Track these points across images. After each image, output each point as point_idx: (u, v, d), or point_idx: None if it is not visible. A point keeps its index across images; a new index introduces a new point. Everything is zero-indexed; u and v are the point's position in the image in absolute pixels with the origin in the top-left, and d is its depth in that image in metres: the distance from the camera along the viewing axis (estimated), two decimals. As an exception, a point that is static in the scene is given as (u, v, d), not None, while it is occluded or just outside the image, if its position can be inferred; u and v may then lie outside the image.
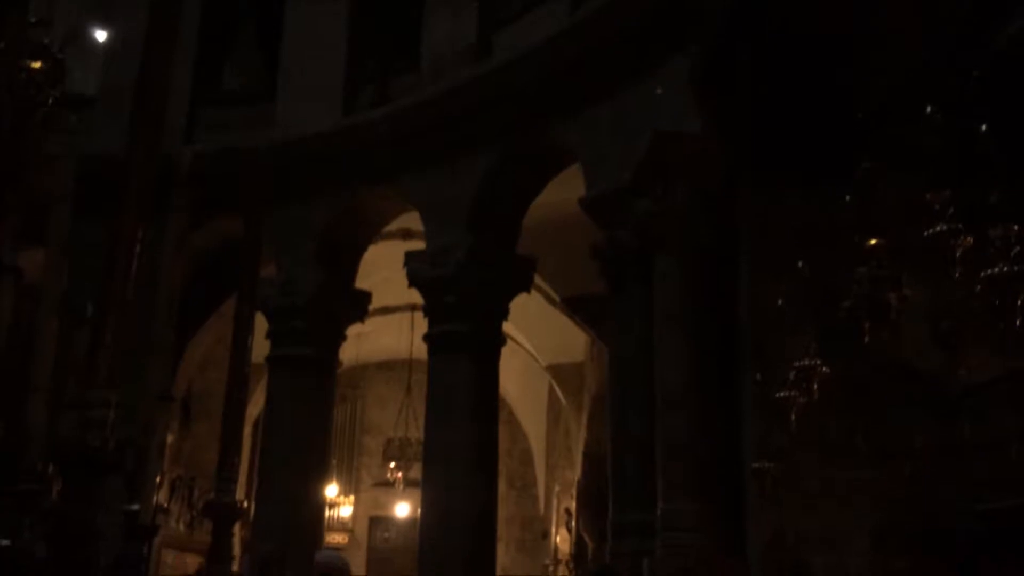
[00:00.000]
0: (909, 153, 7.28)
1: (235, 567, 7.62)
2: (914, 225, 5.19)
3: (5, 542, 5.68)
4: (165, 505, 12.53)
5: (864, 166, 6.09)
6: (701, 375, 8.44)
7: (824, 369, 6.62)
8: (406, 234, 13.21)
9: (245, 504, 10.90)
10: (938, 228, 5.06)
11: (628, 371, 10.43)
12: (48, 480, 7.32)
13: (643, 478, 9.48)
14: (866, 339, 6.08)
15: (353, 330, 13.62)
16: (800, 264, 6.67)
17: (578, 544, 15.14)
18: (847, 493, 7.48)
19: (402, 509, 19.74)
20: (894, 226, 5.73)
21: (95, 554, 4.32)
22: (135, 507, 8.40)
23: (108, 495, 6.91)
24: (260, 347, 12.70)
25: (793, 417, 6.75)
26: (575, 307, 13.03)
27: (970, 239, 4.97)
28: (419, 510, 12.27)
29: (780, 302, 6.89)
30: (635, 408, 10.13)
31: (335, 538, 18.67)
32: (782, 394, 6.86)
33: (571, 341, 15.28)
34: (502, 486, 14.67)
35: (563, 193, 11.04)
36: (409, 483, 17.82)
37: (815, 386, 6.64)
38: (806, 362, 6.62)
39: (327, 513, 16.10)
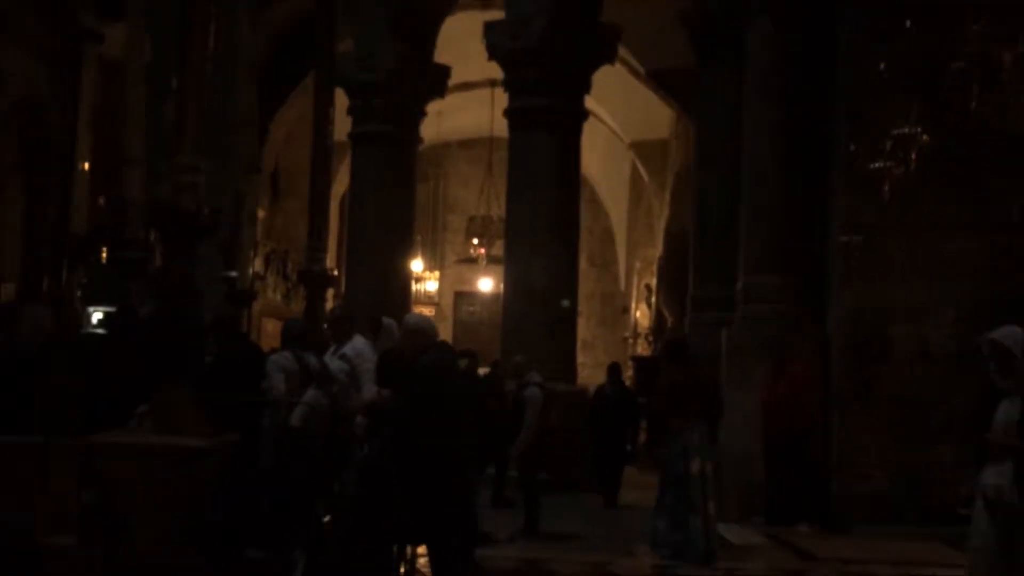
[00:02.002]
0: None
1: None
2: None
3: (111, 308, 6.10)
4: (262, 273, 13.16)
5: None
6: (790, 146, 8.14)
7: (924, 138, 6.31)
8: (485, 2, 12.67)
9: (336, 272, 11.36)
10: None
11: (714, 145, 10.17)
12: (151, 247, 7.76)
13: (724, 253, 9.47)
14: (973, 104, 5.72)
15: (433, 107, 13.46)
16: (907, 23, 6.20)
17: (657, 318, 15.50)
18: (936, 266, 7.34)
19: (485, 284, 20.35)
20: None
21: (197, 310, 4.61)
22: (233, 274, 8.91)
23: (207, 264, 7.27)
24: (343, 125, 12.76)
25: (886, 188, 6.53)
26: (661, 80, 12.55)
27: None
28: (502, 285, 12.60)
29: (882, 66, 6.47)
30: (720, 183, 9.97)
31: (422, 311, 19.53)
32: (876, 165, 6.61)
33: (655, 117, 14.86)
34: (583, 263, 14.88)
35: (651, -45, 10.32)
36: (492, 259, 18.26)
37: (913, 156, 6.36)
38: (906, 130, 6.31)
39: (414, 287, 16.72)
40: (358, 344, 6.09)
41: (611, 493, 9.18)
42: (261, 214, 13.28)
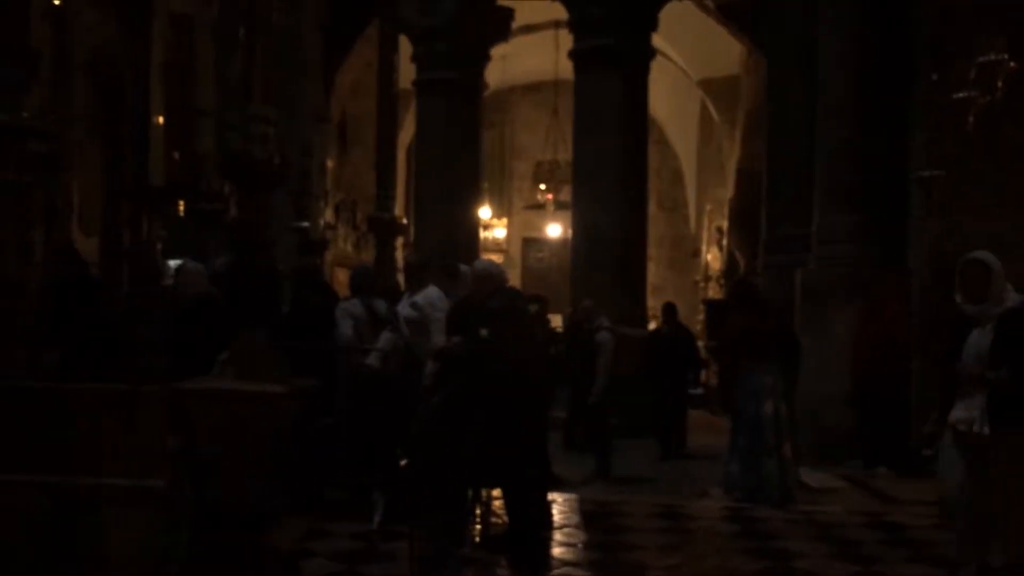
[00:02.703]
0: None
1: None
2: None
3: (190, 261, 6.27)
4: (332, 223, 13.33)
5: None
6: (868, 78, 7.83)
7: (1011, 64, 6.00)
8: (547, -58, 12.40)
9: (404, 221, 11.42)
10: None
11: (787, 80, 9.83)
12: (225, 199, 7.91)
13: (799, 192, 9.22)
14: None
15: (497, 51, 13.31)
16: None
17: (729, 261, 15.25)
18: (1021, 199, 7.04)
19: (554, 230, 20.24)
20: None
21: (271, 260, 4.70)
22: (305, 224, 9.07)
23: (280, 215, 7.37)
24: (408, 73, 12.71)
25: (971, 119, 6.25)
26: (730, 14, 12.15)
27: None
28: (570, 230, 12.53)
29: (967, -11, 6.15)
30: (793, 120, 9.65)
31: (491, 258, 19.50)
32: (960, 95, 6.32)
33: (725, 53, 14.42)
34: (652, 207, 14.66)
35: None
36: (560, 205, 18.13)
37: (999, 84, 6.06)
38: (991, 57, 6.00)
39: (482, 234, 16.74)
40: (430, 293, 6.12)
41: (675, 440, 8.88)
42: (330, 164, 13.39)
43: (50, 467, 3.62)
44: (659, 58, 12.21)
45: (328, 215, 12.93)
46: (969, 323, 3.94)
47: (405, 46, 12.38)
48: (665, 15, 11.37)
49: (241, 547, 3.90)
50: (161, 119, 5.39)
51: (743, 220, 13.80)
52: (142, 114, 4.72)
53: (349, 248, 15.33)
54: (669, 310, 9.43)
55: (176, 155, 8.44)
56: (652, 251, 14.62)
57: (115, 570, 3.64)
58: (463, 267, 6.04)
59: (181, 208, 7.52)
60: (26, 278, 4.91)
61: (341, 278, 14.78)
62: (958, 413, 3.92)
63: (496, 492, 5.66)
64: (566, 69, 12.20)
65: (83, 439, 3.74)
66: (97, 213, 7.64)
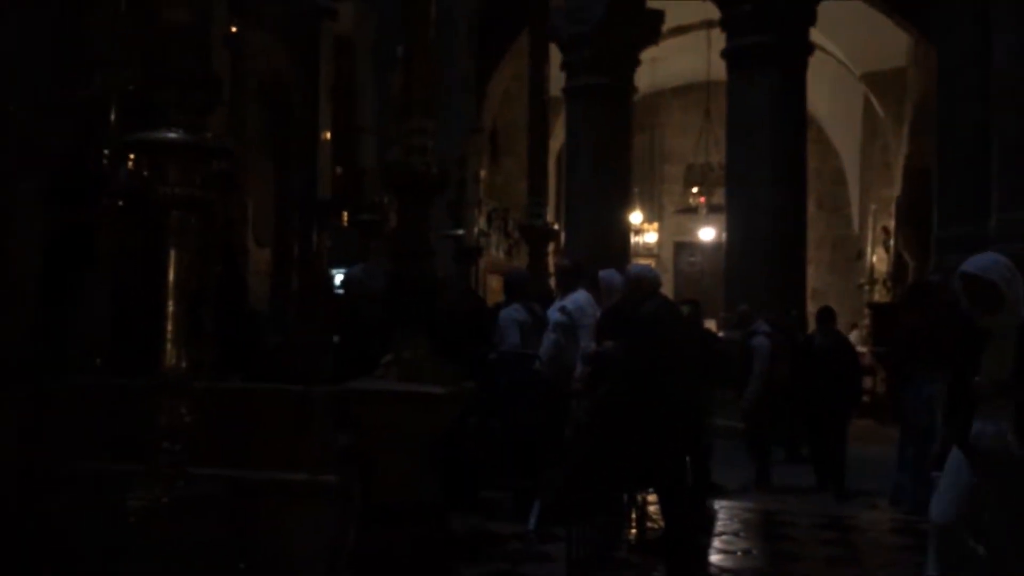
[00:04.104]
0: None
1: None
2: None
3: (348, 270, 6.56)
4: (485, 231, 13.63)
5: None
6: (1051, 64, 7.29)
7: None
8: (697, -57, 12.24)
9: (556, 227, 11.54)
10: None
11: (959, 70, 9.28)
12: (384, 210, 8.26)
13: (973, 188, 8.68)
14: None
15: (647, 55, 13.23)
16: None
17: (897, 262, 14.51)
18: None
19: (706, 234, 19.85)
20: None
21: (432, 267, 4.85)
22: (460, 232, 9.35)
23: (436, 223, 7.60)
24: (557, 81, 12.84)
25: None
26: (895, 3, 11.59)
27: None
28: (723, 234, 12.28)
29: None
30: (966, 113, 9.10)
31: (642, 263, 19.32)
32: None
33: (890, 45, 13.75)
34: (811, 207, 14.14)
35: None
36: (712, 208, 17.78)
37: None
38: None
39: (633, 239, 16.65)
40: (579, 298, 6.13)
41: (830, 472, 7.26)
42: (482, 173, 13.70)
43: (232, 461, 3.88)
44: (818, 53, 11.80)
45: (481, 223, 13.24)
46: (982, 335, 3.50)
47: (555, 54, 12.51)
48: (824, 8, 10.97)
49: (405, 542, 4.05)
50: (328, 135, 5.70)
51: (912, 219, 13.10)
52: (311, 132, 5.01)
53: (501, 255, 15.61)
54: (825, 316, 7.82)
55: (338, 170, 8.90)
56: (812, 254, 14.10)
57: (289, 560, 3.86)
58: (601, 272, 6.02)
59: (344, 219, 7.92)
60: (207, 286, 5.28)
61: (494, 285, 15.06)
62: (984, 431, 3.48)
63: (653, 497, 5.63)
64: (718, 70, 11.97)
65: (262, 436, 3.99)
66: (269, 226, 8.15)
